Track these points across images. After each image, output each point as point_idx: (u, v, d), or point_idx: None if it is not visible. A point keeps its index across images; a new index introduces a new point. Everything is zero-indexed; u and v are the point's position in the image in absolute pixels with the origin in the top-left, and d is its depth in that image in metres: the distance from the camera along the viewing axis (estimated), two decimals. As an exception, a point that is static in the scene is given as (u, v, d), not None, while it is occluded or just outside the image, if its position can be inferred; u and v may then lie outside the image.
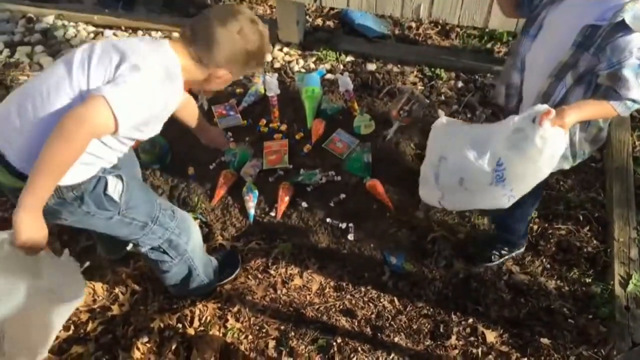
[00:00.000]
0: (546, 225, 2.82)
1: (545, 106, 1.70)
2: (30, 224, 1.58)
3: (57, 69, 1.69)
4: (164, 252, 2.12)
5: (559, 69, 1.86)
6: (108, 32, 4.02)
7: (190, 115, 2.29)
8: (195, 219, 2.77)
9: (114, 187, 1.82)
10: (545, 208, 2.87)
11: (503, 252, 2.65)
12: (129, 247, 2.59)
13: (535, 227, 2.81)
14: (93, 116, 1.53)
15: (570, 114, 1.71)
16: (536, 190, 1.94)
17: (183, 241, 2.14)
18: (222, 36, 1.74)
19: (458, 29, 3.99)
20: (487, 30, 3.82)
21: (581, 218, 2.85)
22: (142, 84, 1.62)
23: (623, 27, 1.68)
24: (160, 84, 1.67)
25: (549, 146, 1.69)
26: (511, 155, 1.76)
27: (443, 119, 1.99)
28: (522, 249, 2.71)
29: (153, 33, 3.99)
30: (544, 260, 2.70)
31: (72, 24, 4.09)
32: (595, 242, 2.76)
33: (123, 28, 4.07)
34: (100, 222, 1.88)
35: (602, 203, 2.91)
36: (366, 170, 2.97)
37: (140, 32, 4.02)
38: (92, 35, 4.01)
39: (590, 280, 2.62)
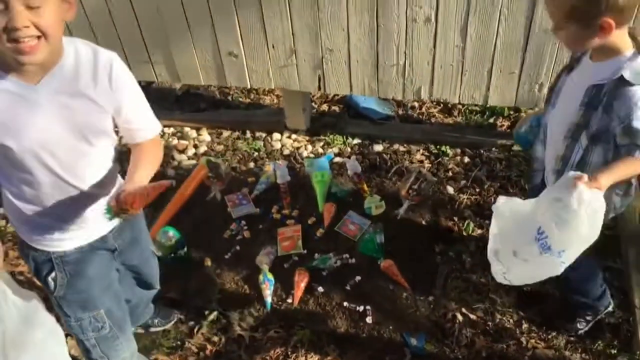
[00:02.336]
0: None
1: (577, 172, 1.69)
2: None
3: None
4: (84, 349, 2.13)
5: (573, 130, 1.93)
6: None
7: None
8: (213, 310, 2.78)
9: (55, 277, 1.87)
10: (563, 279, 2.83)
11: (587, 317, 2.60)
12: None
13: (555, 299, 2.77)
14: None
15: (602, 177, 1.70)
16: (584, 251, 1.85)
17: (97, 355, 2.12)
18: None
19: (460, 106, 4.10)
20: (488, 106, 3.93)
21: (601, 287, 2.81)
22: None
23: (624, 83, 1.75)
24: None
25: (585, 206, 1.66)
26: (551, 223, 1.74)
27: (501, 199, 1.96)
28: (610, 308, 2.62)
29: (165, 129, 4.12)
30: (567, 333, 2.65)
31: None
32: (617, 311, 2.71)
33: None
34: None
35: (619, 270, 2.88)
36: (380, 251, 2.99)
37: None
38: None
39: (615, 351, 2.56)
